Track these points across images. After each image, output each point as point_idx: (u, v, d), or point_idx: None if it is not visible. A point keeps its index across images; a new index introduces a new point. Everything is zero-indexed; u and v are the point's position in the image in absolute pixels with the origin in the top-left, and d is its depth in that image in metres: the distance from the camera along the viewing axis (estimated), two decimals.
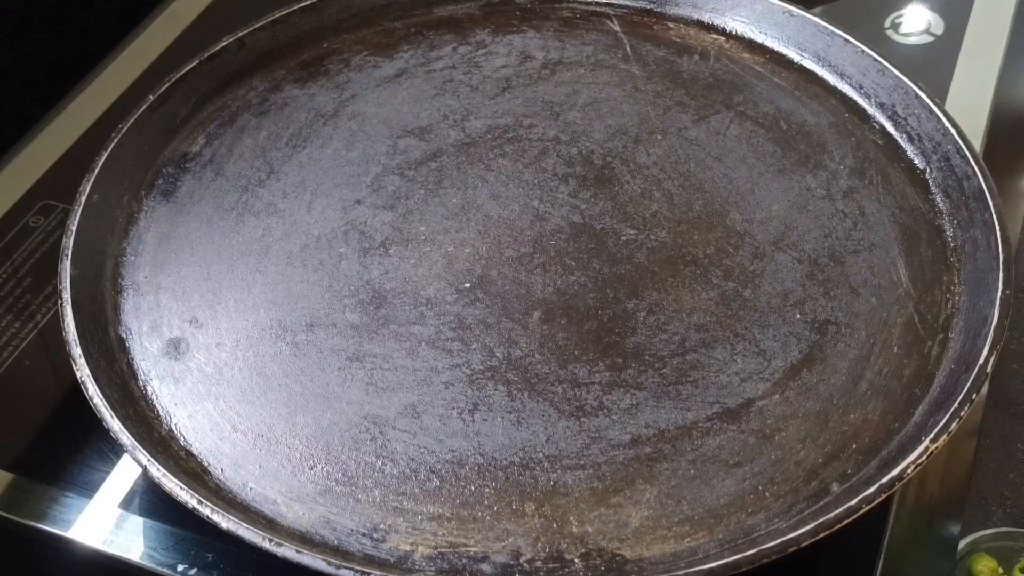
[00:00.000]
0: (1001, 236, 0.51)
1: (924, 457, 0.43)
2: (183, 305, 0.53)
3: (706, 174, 0.58)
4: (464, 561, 0.43)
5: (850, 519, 0.42)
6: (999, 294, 0.48)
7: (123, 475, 0.50)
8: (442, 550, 0.44)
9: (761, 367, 0.50)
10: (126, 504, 0.49)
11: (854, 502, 0.42)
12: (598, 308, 0.52)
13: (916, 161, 0.58)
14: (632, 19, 0.66)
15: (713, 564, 0.41)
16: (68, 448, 0.51)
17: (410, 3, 0.67)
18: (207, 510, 0.42)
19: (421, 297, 0.52)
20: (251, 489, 0.46)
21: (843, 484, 0.45)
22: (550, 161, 0.59)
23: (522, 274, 0.53)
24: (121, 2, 0.74)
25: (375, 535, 0.44)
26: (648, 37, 0.65)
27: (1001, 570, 0.68)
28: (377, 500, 0.45)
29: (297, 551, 0.41)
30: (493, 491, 0.46)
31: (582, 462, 0.46)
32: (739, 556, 0.41)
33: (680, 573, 0.41)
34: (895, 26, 0.71)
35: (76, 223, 0.53)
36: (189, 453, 0.47)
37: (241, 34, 0.63)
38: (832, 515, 0.42)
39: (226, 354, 0.51)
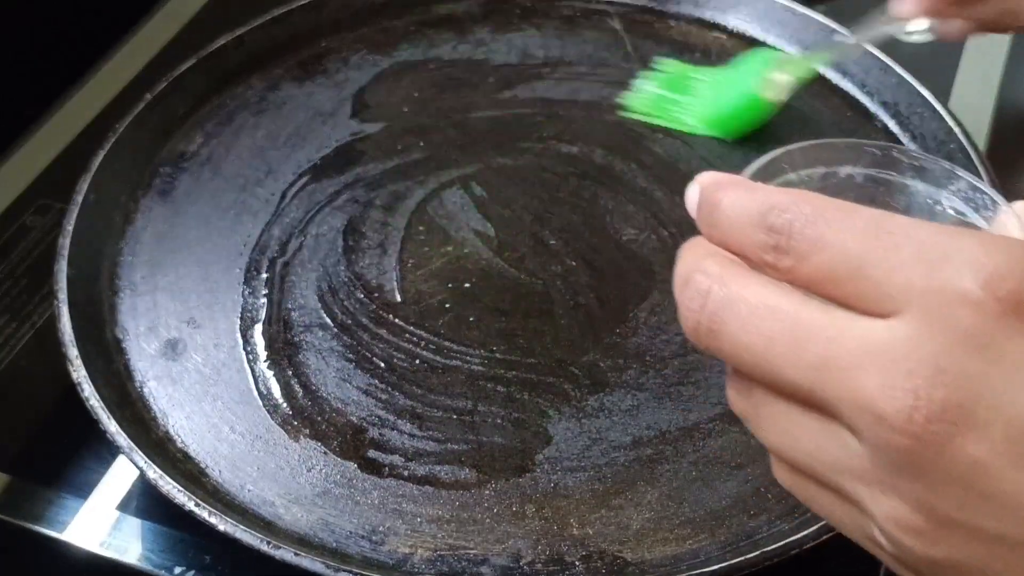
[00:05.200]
0: None
1: None
2: (180, 305, 0.52)
3: None
4: (464, 564, 0.43)
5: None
6: None
7: (120, 476, 0.50)
8: (442, 552, 0.43)
9: None
10: (123, 506, 0.49)
11: None
12: (599, 308, 0.52)
13: None
14: (633, 17, 0.66)
15: (715, 567, 0.41)
16: (65, 449, 0.51)
17: (409, 1, 0.67)
18: (205, 512, 0.42)
19: (420, 297, 0.52)
20: (249, 491, 0.46)
21: None
22: (550, 160, 0.59)
23: (522, 274, 0.53)
24: (119, 1, 0.73)
25: (374, 537, 0.44)
26: (649, 35, 0.65)
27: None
28: (376, 502, 0.45)
29: (295, 554, 0.41)
30: (493, 493, 0.45)
31: (583, 464, 0.46)
32: (741, 559, 0.41)
33: None
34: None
35: (73, 223, 0.52)
36: (186, 455, 0.47)
37: (239, 33, 0.63)
38: None
39: (224, 355, 0.50)
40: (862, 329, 0.24)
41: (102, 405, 0.45)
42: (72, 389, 0.46)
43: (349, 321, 0.51)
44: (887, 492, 0.24)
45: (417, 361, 0.50)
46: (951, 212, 0.29)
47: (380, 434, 0.47)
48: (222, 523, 0.42)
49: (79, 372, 0.46)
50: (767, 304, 0.25)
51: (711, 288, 0.26)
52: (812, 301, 0.25)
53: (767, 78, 0.57)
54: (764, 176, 0.29)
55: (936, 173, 0.30)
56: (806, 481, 0.27)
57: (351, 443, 0.47)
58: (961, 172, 0.29)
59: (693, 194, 0.29)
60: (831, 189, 0.29)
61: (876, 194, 0.30)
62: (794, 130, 0.59)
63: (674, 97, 0.60)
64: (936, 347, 0.22)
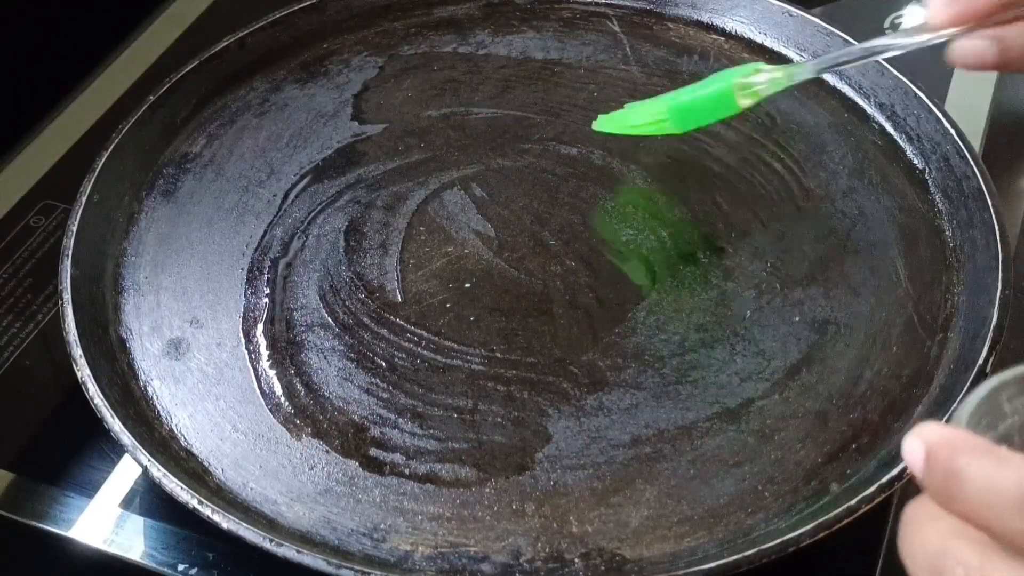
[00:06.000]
0: (1000, 236, 0.51)
1: None
2: (184, 305, 0.53)
3: (706, 174, 0.58)
4: (464, 561, 0.43)
5: (850, 519, 0.42)
6: (998, 294, 0.49)
7: (124, 475, 0.50)
8: (442, 550, 0.44)
9: (761, 367, 0.50)
10: (127, 504, 0.49)
11: (854, 502, 0.42)
12: (598, 308, 0.52)
13: (915, 161, 0.58)
14: (632, 19, 0.67)
15: (713, 564, 0.41)
16: (69, 448, 0.51)
17: (410, 4, 0.67)
18: (208, 510, 0.42)
19: (421, 297, 0.53)
20: (252, 489, 0.46)
21: (843, 484, 0.45)
22: (550, 161, 0.59)
23: (522, 274, 0.54)
24: (122, 2, 0.74)
25: (375, 535, 0.44)
26: (648, 37, 0.66)
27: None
28: (377, 500, 0.45)
29: (297, 551, 0.41)
30: (493, 491, 0.46)
31: (582, 462, 0.46)
32: (739, 556, 0.41)
33: (680, 573, 0.41)
34: (894, 26, 0.71)
35: (77, 223, 0.53)
36: (190, 453, 0.47)
37: (241, 34, 0.63)
38: (832, 515, 0.42)
39: (227, 354, 0.51)
40: None
41: (106, 404, 0.45)
42: (76, 388, 0.47)
43: (351, 321, 0.52)
44: None
45: (418, 360, 0.50)
46: None
47: (381, 433, 0.48)
48: (225, 521, 0.42)
49: (83, 371, 0.47)
50: None
51: None
52: None
53: (744, 81, 0.52)
54: (983, 412, 0.28)
55: None
56: None
57: (352, 441, 0.47)
58: None
59: (917, 451, 0.26)
60: None
61: None
62: (792, 133, 0.60)
63: (641, 104, 0.56)
64: None
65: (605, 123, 0.58)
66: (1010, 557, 0.24)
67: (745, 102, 0.52)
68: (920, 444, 0.26)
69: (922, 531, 0.25)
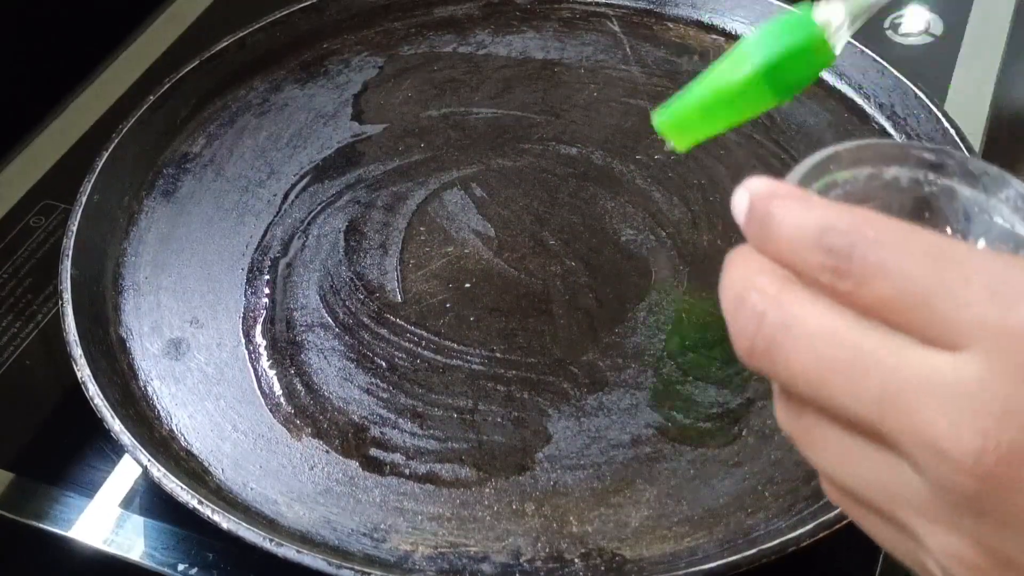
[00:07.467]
0: None
1: None
2: (184, 305, 0.53)
3: (706, 174, 0.58)
4: (464, 561, 0.43)
5: (850, 519, 0.42)
6: None
7: (124, 475, 0.50)
8: (442, 550, 0.44)
9: None
10: (127, 504, 0.49)
11: None
12: (598, 308, 0.52)
13: None
14: (632, 19, 0.67)
15: (713, 564, 0.41)
16: (69, 448, 0.51)
17: (410, 4, 0.67)
18: (208, 510, 0.42)
19: (421, 297, 0.53)
20: (252, 489, 0.46)
21: None
22: (550, 161, 0.59)
23: (522, 274, 0.54)
24: (121, 2, 0.74)
25: (375, 535, 0.44)
26: (647, 37, 0.66)
27: None
28: (378, 500, 0.45)
29: (298, 551, 0.41)
30: (493, 491, 0.46)
31: (582, 462, 0.46)
32: (739, 556, 0.41)
33: (680, 573, 0.41)
34: (895, 27, 0.71)
35: (77, 223, 0.53)
36: (190, 453, 0.47)
37: (241, 35, 0.63)
38: (832, 515, 0.42)
39: (227, 354, 0.51)
40: (926, 362, 0.23)
41: (106, 404, 0.46)
42: (76, 388, 0.47)
43: (351, 321, 0.52)
44: (947, 529, 0.23)
45: (418, 360, 0.50)
46: (998, 221, 0.28)
47: (381, 433, 0.48)
48: (225, 521, 0.42)
49: (83, 371, 0.47)
50: (826, 330, 0.24)
51: (767, 310, 0.25)
52: (872, 327, 0.24)
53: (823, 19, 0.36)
54: (812, 178, 0.28)
55: (985, 179, 0.28)
56: (858, 505, 0.26)
57: (353, 442, 0.47)
58: (1013, 179, 0.28)
59: (741, 201, 0.27)
60: (875, 191, 0.28)
61: (920, 197, 0.28)
62: (792, 133, 0.60)
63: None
64: (1007, 388, 0.22)
65: (677, 131, 0.42)
66: (808, 292, 0.25)
67: (839, 45, 0.36)
68: (746, 194, 0.27)
69: (735, 269, 0.26)
